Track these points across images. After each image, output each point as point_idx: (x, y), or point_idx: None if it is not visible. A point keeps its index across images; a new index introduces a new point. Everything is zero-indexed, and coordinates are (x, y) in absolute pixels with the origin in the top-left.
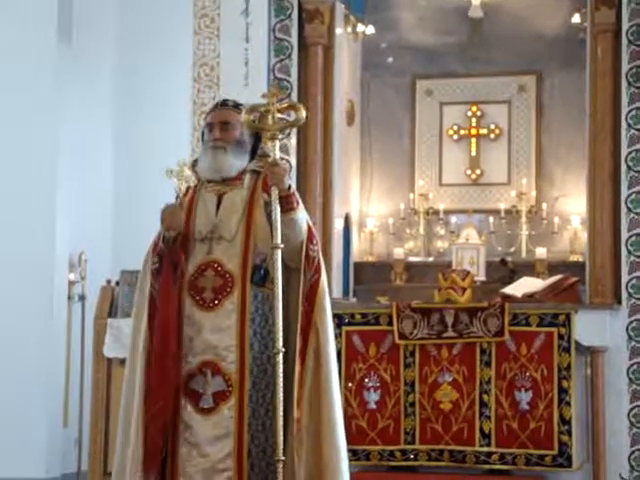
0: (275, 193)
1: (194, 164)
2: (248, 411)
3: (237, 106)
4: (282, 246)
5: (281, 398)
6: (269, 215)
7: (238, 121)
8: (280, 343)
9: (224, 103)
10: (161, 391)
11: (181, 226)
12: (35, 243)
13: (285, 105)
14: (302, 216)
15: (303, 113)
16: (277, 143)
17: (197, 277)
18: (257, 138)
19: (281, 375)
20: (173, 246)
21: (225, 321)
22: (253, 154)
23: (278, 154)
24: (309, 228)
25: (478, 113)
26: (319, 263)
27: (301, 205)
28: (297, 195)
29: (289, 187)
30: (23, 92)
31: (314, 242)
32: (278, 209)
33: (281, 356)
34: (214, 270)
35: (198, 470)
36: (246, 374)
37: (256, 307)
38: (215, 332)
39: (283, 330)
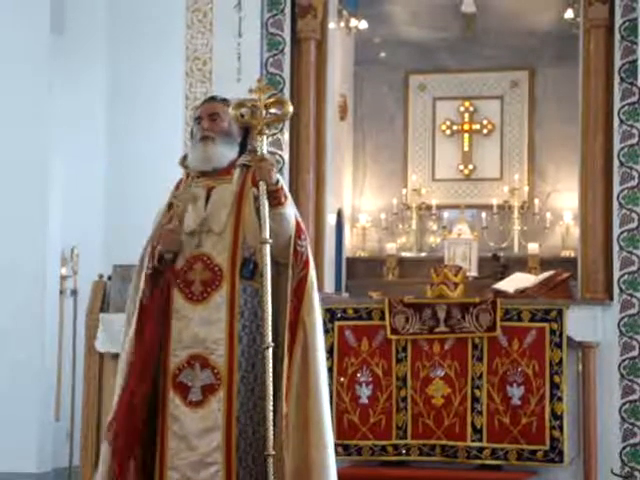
0: (263, 188)
1: (184, 159)
2: (236, 404)
3: (225, 100)
4: (270, 241)
5: (271, 393)
6: (258, 210)
7: (226, 113)
8: (269, 338)
9: (212, 98)
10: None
11: (179, 247)
12: (27, 238)
13: (272, 100)
14: (290, 211)
15: (290, 108)
16: (265, 138)
17: (186, 270)
18: (246, 132)
19: (270, 370)
20: (168, 266)
21: (214, 314)
22: (243, 149)
23: (266, 149)
24: (297, 223)
25: (471, 108)
26: (307, 258)
27: (289, 200)
28: (285, 190)
29: (277, 182)
30: (15, 85)
31: (302, 237)
32: (266, 204)
33: (270, 351)
34: (203, 263)
35: (186, 463)
36: (235, 368)
37: (245, 301)
38: (204, 325)
39: (273, 325)
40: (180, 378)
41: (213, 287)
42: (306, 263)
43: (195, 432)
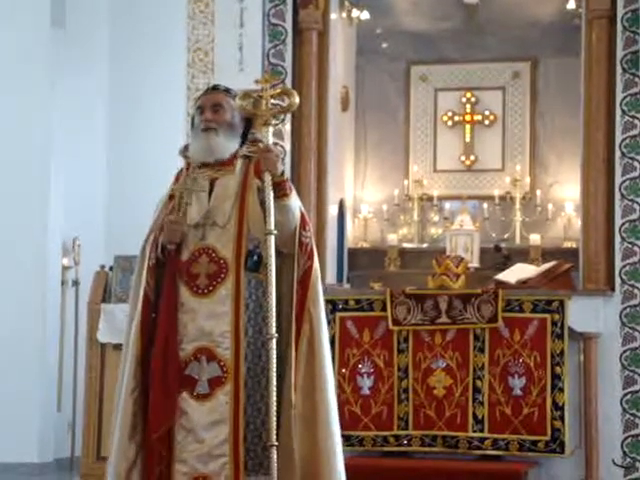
0: (268, 179)
1: (185, 149)
2: (243, 397)
3: (228, 90)
4: (275, 232)
5: (274, 383)
6: (262, 201)
7: (229, 104)
8: (273, 329)
9: (215, 87)
10: (163, 411)
11: (181, 238)
12: (29, 228)
13: (278, 91)
14: (295, 203)
15: (296, 99)
16: (270, 129)
17: (191, 263)
18: (248, 123)
19: (274, 360)
20: (172, 257)
21: (220, 307)
22: (244, 139)
23: (271, 139)
24: (302, 214)
25: (473, 99)
26: (312, 249)
27: (294, 192)
28: (290, 182)
29: (282, 173)
30: (16, 77)
31: (307, 229)
32: (271, 195)
33: (274, 341)
34: (208, 256)
35: (194, 456)
36: (241, 360)
37: (250, 293)
38: (210, 318)
39: (276, 316)
40: (187, 371)
41: (218, 280)
42: (311, 254)
43: (202, 425)
